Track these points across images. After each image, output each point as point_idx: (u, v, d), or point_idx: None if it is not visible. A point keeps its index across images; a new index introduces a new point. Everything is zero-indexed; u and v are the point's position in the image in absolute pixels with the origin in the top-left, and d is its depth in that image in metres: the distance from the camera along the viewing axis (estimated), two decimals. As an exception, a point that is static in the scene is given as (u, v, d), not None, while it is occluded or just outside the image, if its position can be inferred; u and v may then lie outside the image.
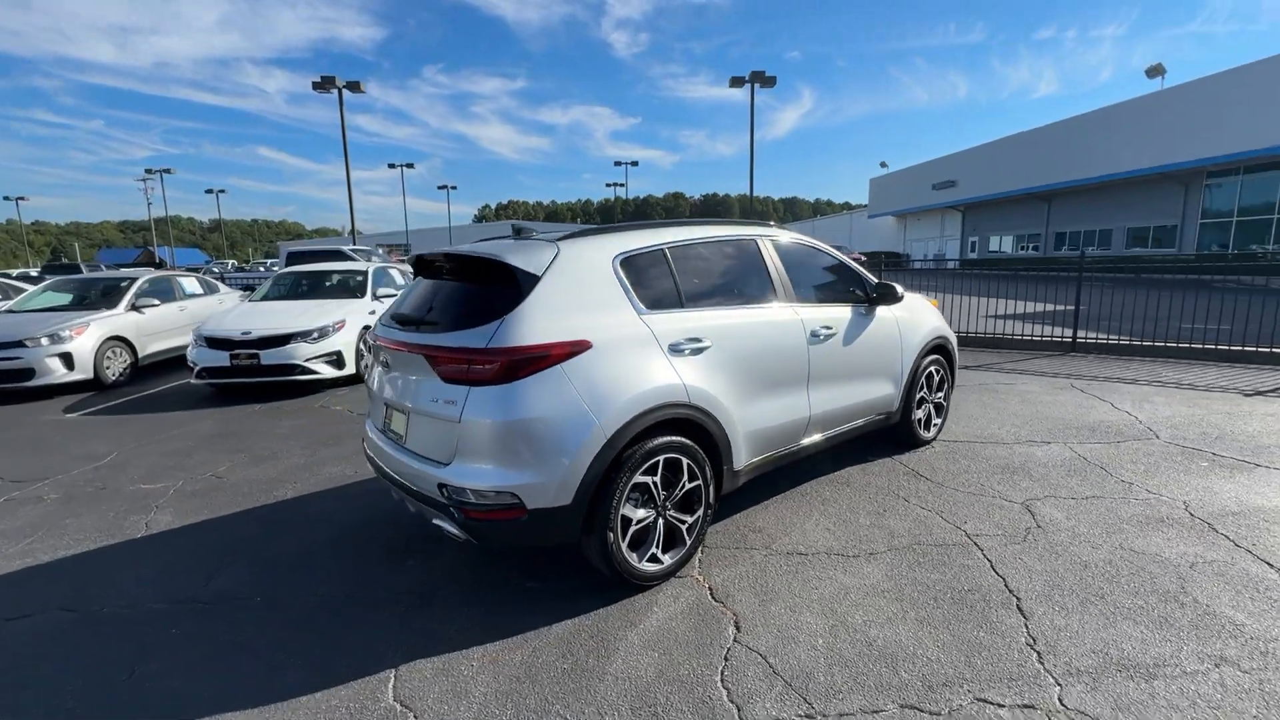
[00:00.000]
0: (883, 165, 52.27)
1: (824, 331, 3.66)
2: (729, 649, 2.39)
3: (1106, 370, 7.29)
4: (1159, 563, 2.91)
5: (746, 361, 3.22)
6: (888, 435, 4.53)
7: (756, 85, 24.63)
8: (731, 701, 2.11)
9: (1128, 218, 28.78)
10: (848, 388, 3.86)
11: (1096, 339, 8.58)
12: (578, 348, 2.59)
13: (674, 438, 2.80)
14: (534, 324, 2.55)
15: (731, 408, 3.07)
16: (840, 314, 3.83)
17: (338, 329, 7.22)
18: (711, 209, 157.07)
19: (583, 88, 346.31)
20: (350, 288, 8.49)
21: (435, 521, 2.69)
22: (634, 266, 2.95)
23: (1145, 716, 1.98)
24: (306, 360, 6.91)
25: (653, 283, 2.98)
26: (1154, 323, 8.97)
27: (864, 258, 25.05)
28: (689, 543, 2.96)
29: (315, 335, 7.01)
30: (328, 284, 8.71)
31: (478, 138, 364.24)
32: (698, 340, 3.00)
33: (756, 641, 2.43)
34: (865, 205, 53.45)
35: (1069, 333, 8.75)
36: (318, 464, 4.69)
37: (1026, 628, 2.46)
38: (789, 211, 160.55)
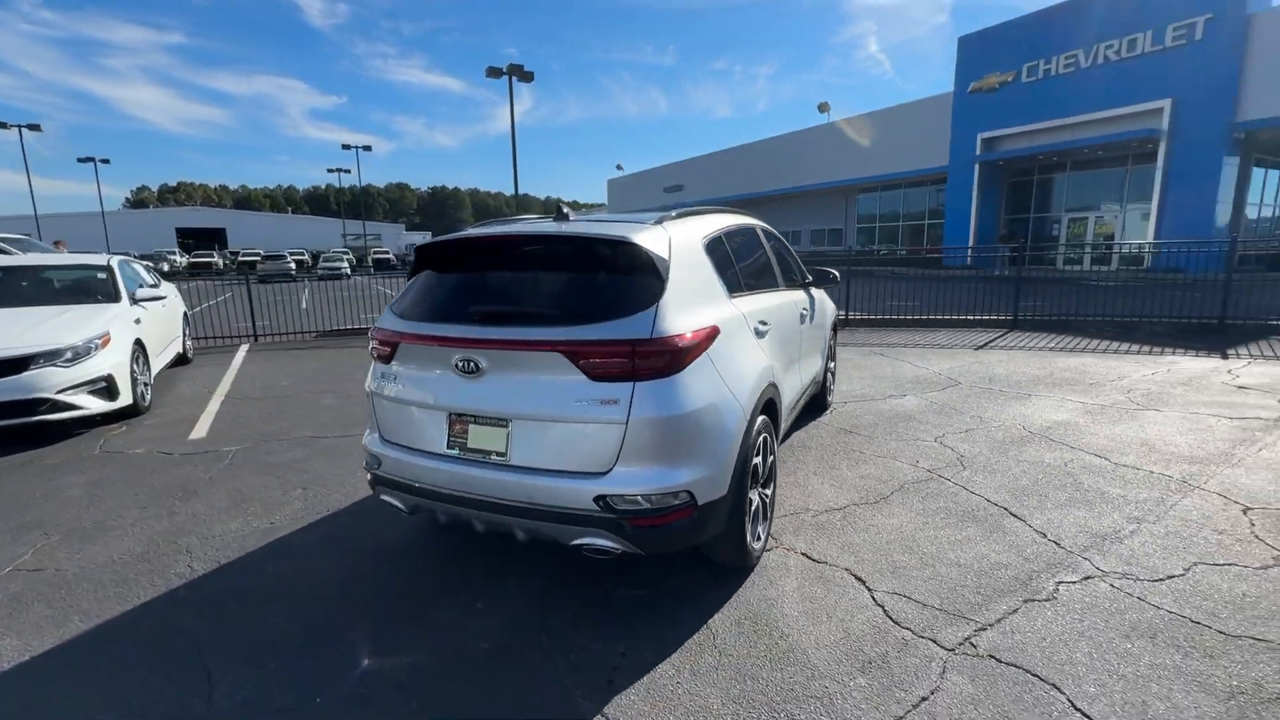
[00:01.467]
0: (619, 168, 56.43)
1: (804, 312, 4.11)
2: (874, 596, 2.64)
3: (883, 339, 9.36)
4: (1050, 466, 4.04)
5: (784, 342, 3.47)
6: (810, 403, 5.22)
7: (514, 79, 24.43)
8: (920, 637, 2.37)
9: (810, 221, 36.41)
10: (810, 360, 4.39)
11: (858, 316, 10.89)
12: (713, 333, 2.52)
13: (764, 416, 2.91)
14: (681, 310, 2.41)
15: (783, 386, 3.30)
16: (803, 296, 4.31)
17: (102, 345, 5.23)
18: (441, 203, 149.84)
19: (268, 55, 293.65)
20: (90, 289, 6.17)
21: (578, 541, 2.34)
22: (712, 251, 2.95)
23: (1145, 564, 2.84)
24: (60, 392, 4.87)
25: (724, 267, 3.01)
26: (874, 301, 11.67)
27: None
28: (771, 516, 3.10)
29: (69, 356, 4.97)
30: (52, 286, 6.19)
31: (117, 100, 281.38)
32: (765, 323, 3.15)
33: (885, 584, 2.72)
34: (604, 204, 57.10)
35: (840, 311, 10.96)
36: (198, 525, 3.46)
37: (1029, 527, 3.22)
38: (522, 209, 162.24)
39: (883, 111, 29.99)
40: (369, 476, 2.82)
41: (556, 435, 2.33)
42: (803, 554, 3.02)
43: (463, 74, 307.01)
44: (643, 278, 2.42)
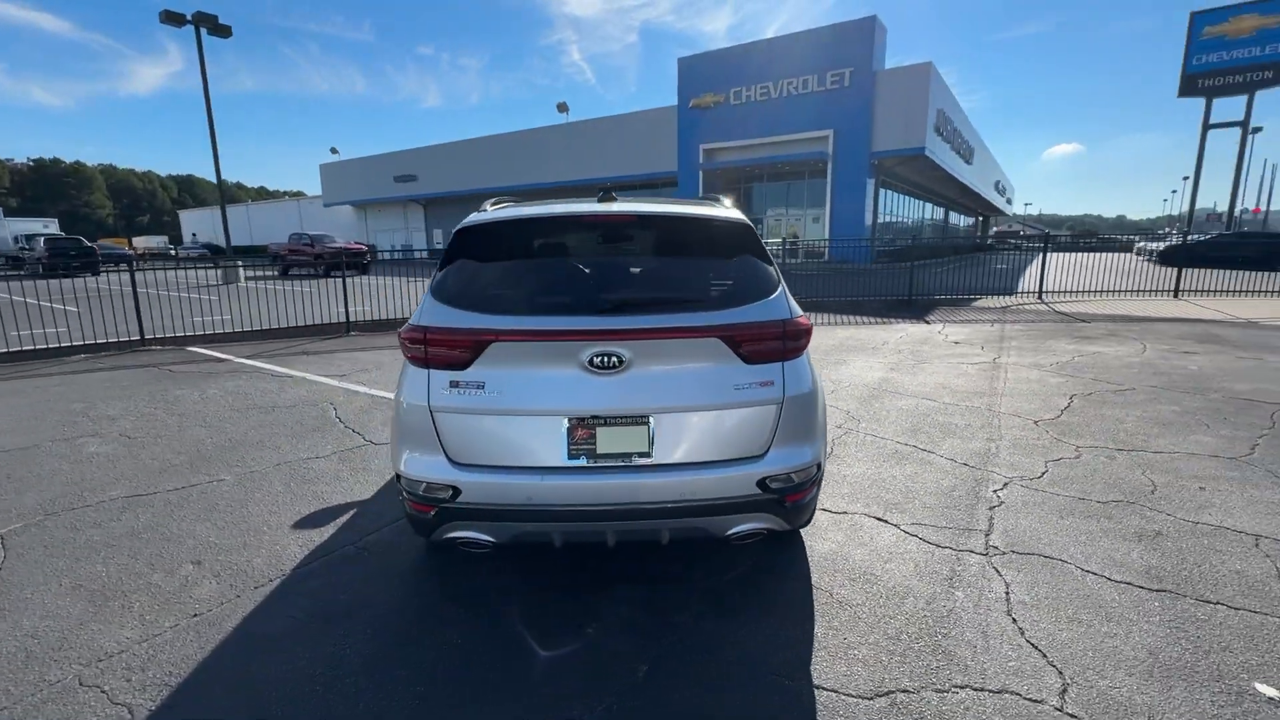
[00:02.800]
0: (334, 151, 49.68)
1: None
2: (903, 530, 3.13)
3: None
4: (908, 411, 5.14)
5: None
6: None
7: (203, 30, 19.71)
8: (960, 551, 2.92)
9: (556, 218, 37.47)
10: None
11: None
12: None
13: None
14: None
15: None
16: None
17: None
18: (53, 181, 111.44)
19: None
20: None
21: (736, 530, 2.28)
22: None
23: (1024, 468, 3.90)
24: None
25: None
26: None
27: (364, 245, 24.30)
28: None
29: None
30: None
31: None
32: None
33: (899, 519, 3.24)
34: (302, 192, 49.79)
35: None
36: (66, 646, 2.26)
37: (941, 457, 4.12)
38: (186, 192, 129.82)
39: (617, 117, 32.34)
40: (430, 514, 2.26)
41: (711, 424, 2.23)
42: (821, 509, 3.38)
43: (73, 11, 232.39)
44: (757, 260, 2.45)
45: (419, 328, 2.27)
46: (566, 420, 2.18)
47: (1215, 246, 20.12)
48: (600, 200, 2.74)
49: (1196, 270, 14.80)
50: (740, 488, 2.23)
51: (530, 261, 2.50)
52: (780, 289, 2.40)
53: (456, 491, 2.21)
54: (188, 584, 2.70)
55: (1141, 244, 25.86)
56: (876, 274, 14.99)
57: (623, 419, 2.19)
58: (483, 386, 2.20)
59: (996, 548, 2.95)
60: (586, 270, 2.44)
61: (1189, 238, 18.45)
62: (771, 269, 2.45)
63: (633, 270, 2.48)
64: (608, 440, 2.19)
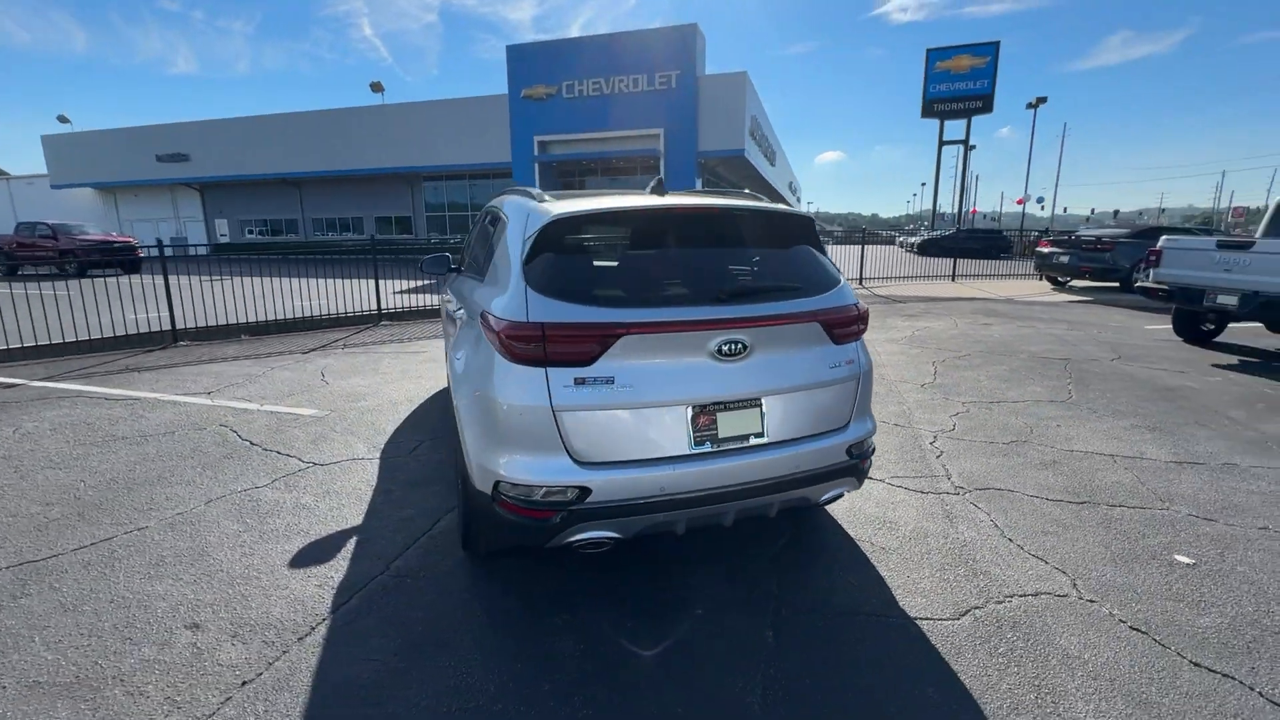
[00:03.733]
0: (63, 120, 39.54)
1: None
2: (890, 484, 3.64)
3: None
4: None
5: None
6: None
7: None
8: (950, 494, 3.49)
9: (375, 208, 34.22)
10: None
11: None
12: None
13: None
14: None
15: None
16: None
17: None
18: None
19: None
20: None
21: (828, 495, 2.50)
22: None
23: (944, 425, 4.71)
24: None
25: None
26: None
27: (130, 237, 19.96)
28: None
29: None
30: None
31: None
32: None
33: (886, 477, 3.76)
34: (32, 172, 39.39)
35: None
36: None
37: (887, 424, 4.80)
38: None
39: (446, 102, 30.44)
40: (553, 518, 2.14)
41: (811, 401, 2.42)
42: (816, 475, 3.77)
43: None
44: (814, 251, 2.68)
45: (534, 324, 2.13)
46: (690, 408, 2.23)
47: (954, 240, 25.22)
48: (652, 192, 2.79)
49: (957, 260, 18.47)
50: (834, 456, 2.48)
51: (631, 253, 2.46)
52: (842, 276, 2.67)
53: (585, 492, 2.14)
54: (201, 651, 2.21)
55: (902, 238, 31.52)
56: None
57: (740, 403, 2.29)
58: (612, 381, 2.15)
59: (962, 487, 3.58)
60: (689, 261, 2.48)
61: (934, 233, 23.18)
62: (827, 259, 2.72)
63: (728, 261, 2.57)
64: (728, 424, 2.28)
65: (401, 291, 11.50)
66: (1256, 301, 6.66)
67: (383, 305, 9.74)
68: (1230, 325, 8.11)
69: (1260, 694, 2.02)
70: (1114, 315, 10.43)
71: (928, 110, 43.18)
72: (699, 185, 26.86)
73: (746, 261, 2.59)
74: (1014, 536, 3.02)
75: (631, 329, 2.15)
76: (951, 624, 2.37)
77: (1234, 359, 7.07)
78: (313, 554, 2.87)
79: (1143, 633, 2.32)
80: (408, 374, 6.26)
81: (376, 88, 33.36)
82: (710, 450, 2.26)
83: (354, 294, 10.47)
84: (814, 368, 2.43)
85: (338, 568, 2.76)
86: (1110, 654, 2.21)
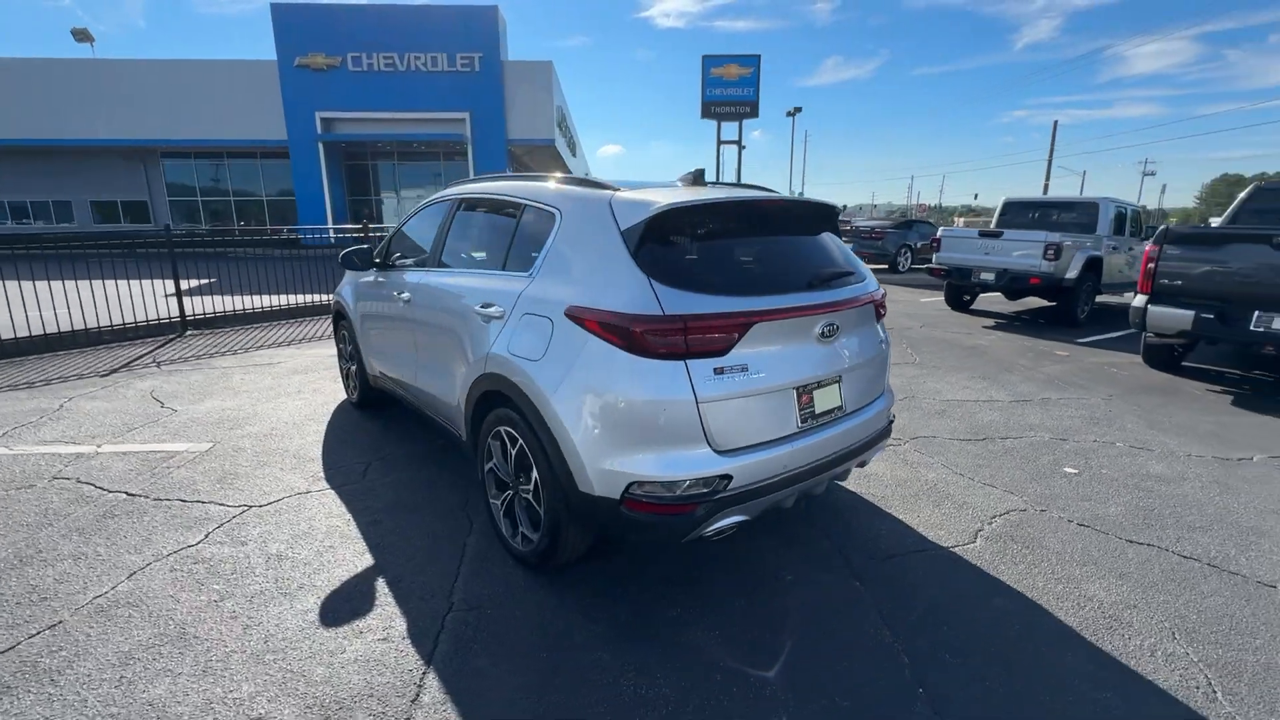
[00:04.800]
0: None
1: None
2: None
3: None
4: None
5: None
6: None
7: None
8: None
9: (90, 189, 27.00)
10: None
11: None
12: None
13: None
14: None
15: None
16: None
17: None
18: None
19: None
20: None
21: (874, 453, 2.81)
22: None
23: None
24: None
25: None
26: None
27: None
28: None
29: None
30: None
31: None
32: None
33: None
34: None
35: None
36: None
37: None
38: None
39: (192, 63, 25.00)
40: (695, 510, 2.13)
41: (866, 375, 2.70)
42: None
43: None
44: (837, 238, 2.96)
45: (674, 317, 2.07)
46: (795, 389, 2.37)
47: None
48: (696, 181, 2.83)
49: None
50: (881, 421, 2.82)
51: (730, 243, 2.46)
52: (863, 265, 3.02)
53: (726, 480, 2.16)
54: (295, 746, 1.77)
55: None
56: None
57: (828, 380, 2.50)
58: (746, 369, 2.19)
59: (900, 438, 4.26)
60: (779, 251, 2.57)
61: None
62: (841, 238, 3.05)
63: (804, 250, 2.69)
64: (821, 400, 2.47)
65: (173, 294, 9.46)
66: (1006, 277, 8.80)
67: (185, 311, 7.93)
68: (981, 295, 10.56)
69: (1175, 553, 2.85)
70: (897, 292, 12.82)
71: (706, 112, 47.30)
72: (470, 172, 26.18)
73: (814, 250, 2.79)
74: (963, 472, 3.72)
75: (763, 316, 2.22)
76: (973, 547, 2.90)
77: (991, 321, 9.25)
78: (343, 607, 2.41)
79: (1086, 526, 3.09)
80: (280, 390, 5.29)
81: (83, 36, 26.09)
82: (810, 426, 2.44)
83: (127, 299, 8.28)
84: (870, 344, 2.74)
85: (390, 614, 2.36)
86: (1080, 544, 2.92)
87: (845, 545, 2.91)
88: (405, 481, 3.54)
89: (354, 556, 2.76)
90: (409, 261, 3.81)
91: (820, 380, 2.46)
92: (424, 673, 2.07)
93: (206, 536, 2.90)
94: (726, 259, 2.42)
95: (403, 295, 3.56)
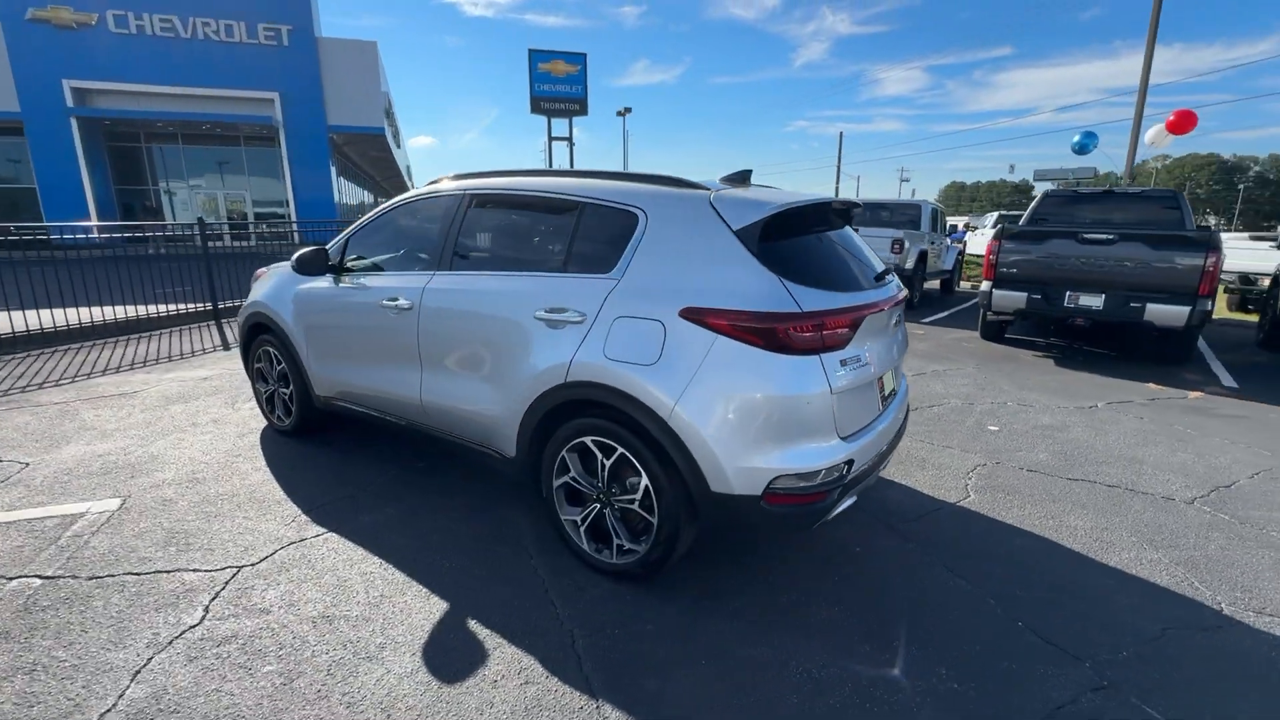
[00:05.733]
0: None
1: None
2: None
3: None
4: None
5: None
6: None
7: None
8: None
9: None
10: None
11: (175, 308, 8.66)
12: None
13: None
14: None
15: None
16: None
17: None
18: None
19: None
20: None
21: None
22: None
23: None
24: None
25: None
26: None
27: None
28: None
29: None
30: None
31: None
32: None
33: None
34: None
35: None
36: None
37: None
38: None
39: None
40: (827, 498, 2.24)
41: (902, 355, 3.01)
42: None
43: None
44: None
45: (812, 313, 2.15)
46: (879, 377, 2.59)
47: None
48: (743, 181, 2.92)
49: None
50: (907, 396, 3.17)
51: (818, 241, 2.54)
52: None
53: (850, 464, 2.31)
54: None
55: None
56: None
57: (891, 366, 2.75)
58: (860, 360, 2.34)
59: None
60: (849, 248, 2.71)
61: None
62: None
63: (851, 246, 2.85)
64: (887, 384, 2.72)
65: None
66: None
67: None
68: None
69: (1102, 484, 3.62)
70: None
71: (535, 107, 46.70)
72: (332, 166, 23.63)
73: (860, 247, 2.99)
74: (922, 439, 4.29)
75: (868, 310, 2.38)
76: (971, 500, 3.39)
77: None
78: (452, 659, 2.12)
79: (1034, 471, 3.78)
80: (166, 425, 4.30)
81: None
82: (884, 409, 2.68)
83: None
84: (903, 332, 3.06)
85: (511, 655, 2.14)
86: (1040, 487, 3.56)
87: (880, 514, 3.22)
88: (414, 510, 3.15)
89: (418, 602, 2.43)
90: (394, 265, 3.37)
91: (889, 366, 2.72)
92: (597, 706, 1.93)
93: (206, 612, 2.33)
94: (823, 257, 2.55)
95: (395, 302, 3.14)
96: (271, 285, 3.98)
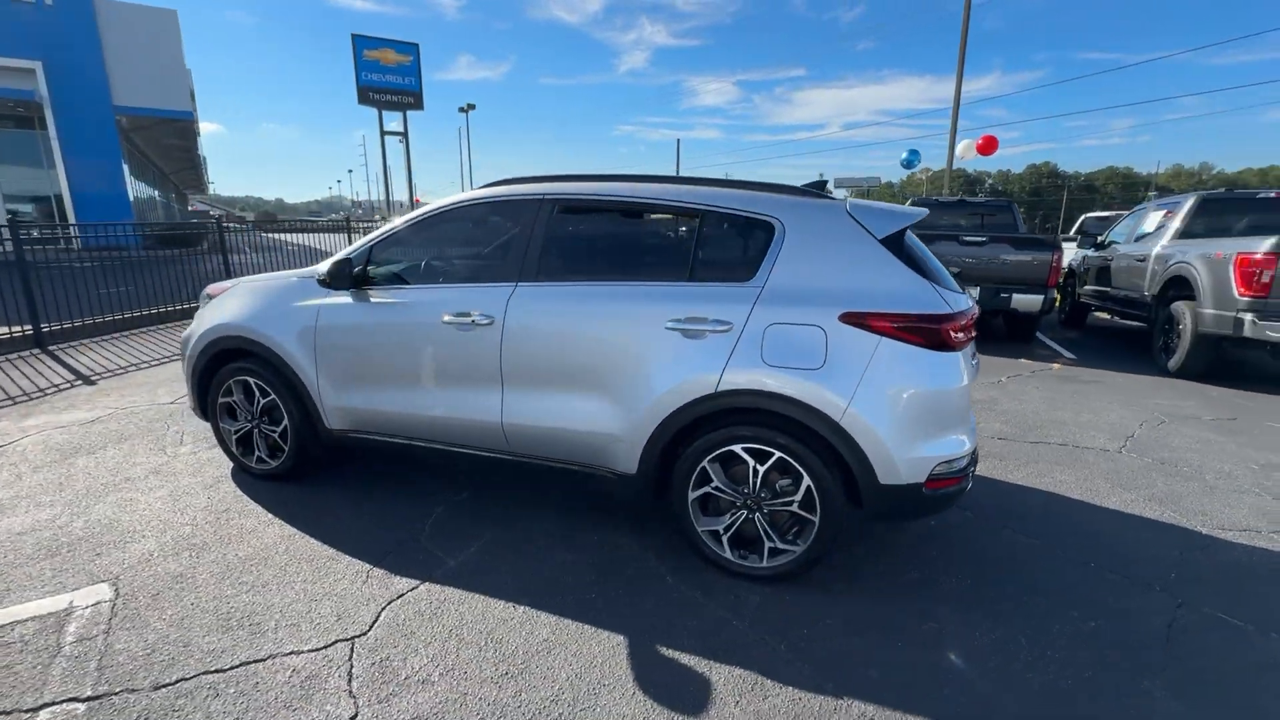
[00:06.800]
0: None
1: None
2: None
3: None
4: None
5: None
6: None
7: None
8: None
9: None
10: None
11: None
12: None
13: None
14: None
15: None
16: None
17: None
18: None
19: None
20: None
21: None
22: None
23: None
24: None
25: None
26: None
27: None
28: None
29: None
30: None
31: None
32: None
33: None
34: None
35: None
36: None
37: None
38: None
39: None
40: (964, 478, 2.49)
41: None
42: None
43: None
44: None
45: (960, 313, 2.37)
46: (964, 368, 2.91)
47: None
48: (822, 191, 3.09)
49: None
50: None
51: (921, 247, 2.74)
52: None
53: (975, 448, 2.59)
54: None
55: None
56: (158, 264, 9.74)
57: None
58: (972, 355, 2.61)
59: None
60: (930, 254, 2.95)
61: None
62: None
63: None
64: (958, 375, 3.07)
65: None
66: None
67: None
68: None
69: (1058, 444, 4.38)
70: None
71: (364, 98, 42.81)
72: (123, 155, 19.73)
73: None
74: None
75: (973, 311, 2.68)
76: (982, 466, 3.92)
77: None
78: (685, 685, 2.03)
79: (1004, 439, 4.46)
80: (90, 484, 3.39)
81: None
82: (964, 397, 3.03)
83: None
84: None
85: (731, 675, 2.09)
86: (1018, 451, 4.22)
87: (924, 489, 3.61)
88: (499, 545, 2.88)
89: (589, 641, 2.26)
90: (447, 277, 3.04)
91: None
92: (840, 701, 1.98)
93: (355, 699, 1.95)
94: (932, 263, 2.79)
95: (466, 317, 2.83)
96: (254, 304, 3.32)
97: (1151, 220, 7.67)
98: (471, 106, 45.90)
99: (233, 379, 3.40)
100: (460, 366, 2.90)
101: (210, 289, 3.64)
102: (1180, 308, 6.30)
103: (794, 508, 2.51)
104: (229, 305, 3.41)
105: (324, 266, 3.16)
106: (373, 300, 3.07)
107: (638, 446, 2.64)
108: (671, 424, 2.56)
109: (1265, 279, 5.32)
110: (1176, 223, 7.08)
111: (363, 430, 3.20)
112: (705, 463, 2.58)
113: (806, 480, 2.45)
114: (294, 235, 13.87)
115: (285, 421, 3.33)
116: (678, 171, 60.17)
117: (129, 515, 3.07)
